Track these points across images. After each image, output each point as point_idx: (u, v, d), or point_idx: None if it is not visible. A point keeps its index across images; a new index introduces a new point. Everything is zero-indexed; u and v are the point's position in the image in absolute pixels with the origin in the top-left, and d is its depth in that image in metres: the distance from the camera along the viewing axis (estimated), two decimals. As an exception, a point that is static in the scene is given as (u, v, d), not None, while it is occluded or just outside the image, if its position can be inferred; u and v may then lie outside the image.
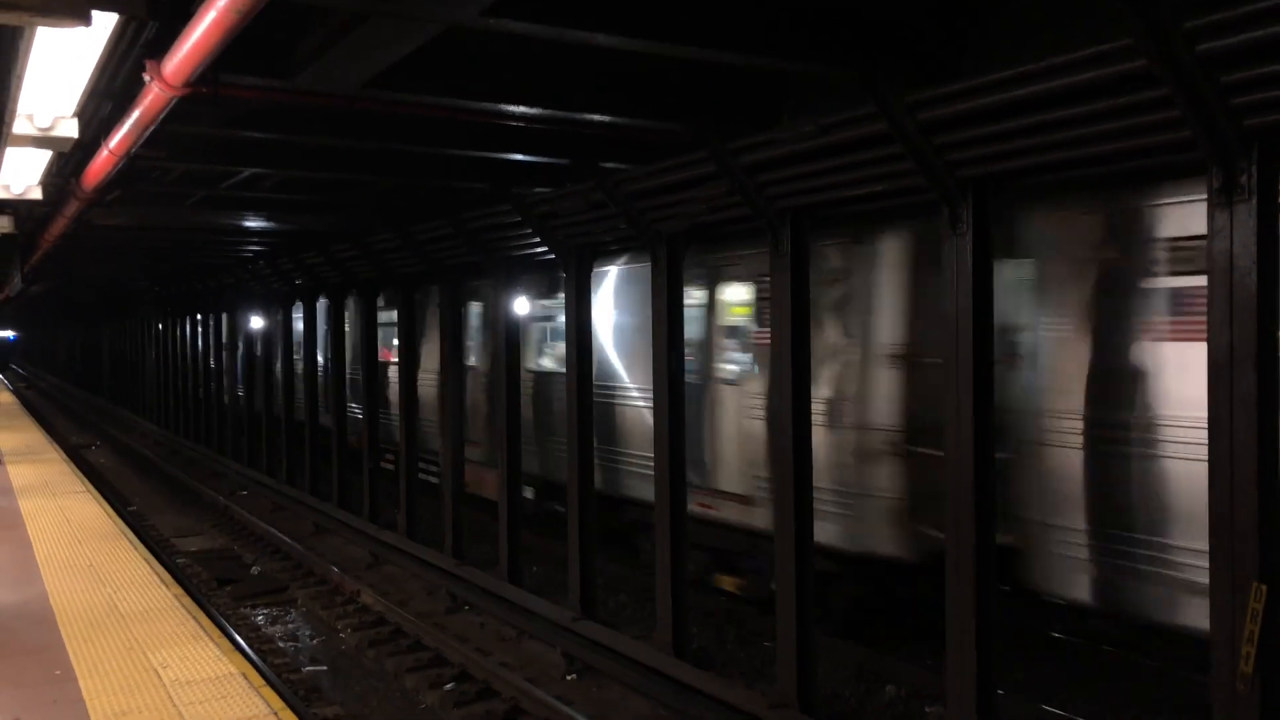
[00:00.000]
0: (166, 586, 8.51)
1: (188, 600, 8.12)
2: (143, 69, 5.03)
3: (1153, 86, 5.03)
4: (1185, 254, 6.62)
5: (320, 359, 18.93)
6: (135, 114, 5.70)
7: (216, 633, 7.24)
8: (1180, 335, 6.69)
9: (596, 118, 7.27)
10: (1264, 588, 5.05)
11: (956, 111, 5.98)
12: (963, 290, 6.41)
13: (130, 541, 10.47)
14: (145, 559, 9.61)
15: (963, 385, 6.42)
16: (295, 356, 19.90)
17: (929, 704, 8.51)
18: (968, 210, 6.35)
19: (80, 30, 4.23)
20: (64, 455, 18.56)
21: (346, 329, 17.83)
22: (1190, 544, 6.42)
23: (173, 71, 4.74)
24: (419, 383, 15.53)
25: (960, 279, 6.42)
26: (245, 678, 6.18)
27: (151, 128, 5.93)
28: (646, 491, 9.87)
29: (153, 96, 5.20)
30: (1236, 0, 4.60)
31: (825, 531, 8.36)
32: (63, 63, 5.11)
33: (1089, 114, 5.42)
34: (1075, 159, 5.76)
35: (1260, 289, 5.03)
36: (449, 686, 9.31)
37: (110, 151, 6.69)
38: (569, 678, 9.42)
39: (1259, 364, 5.07)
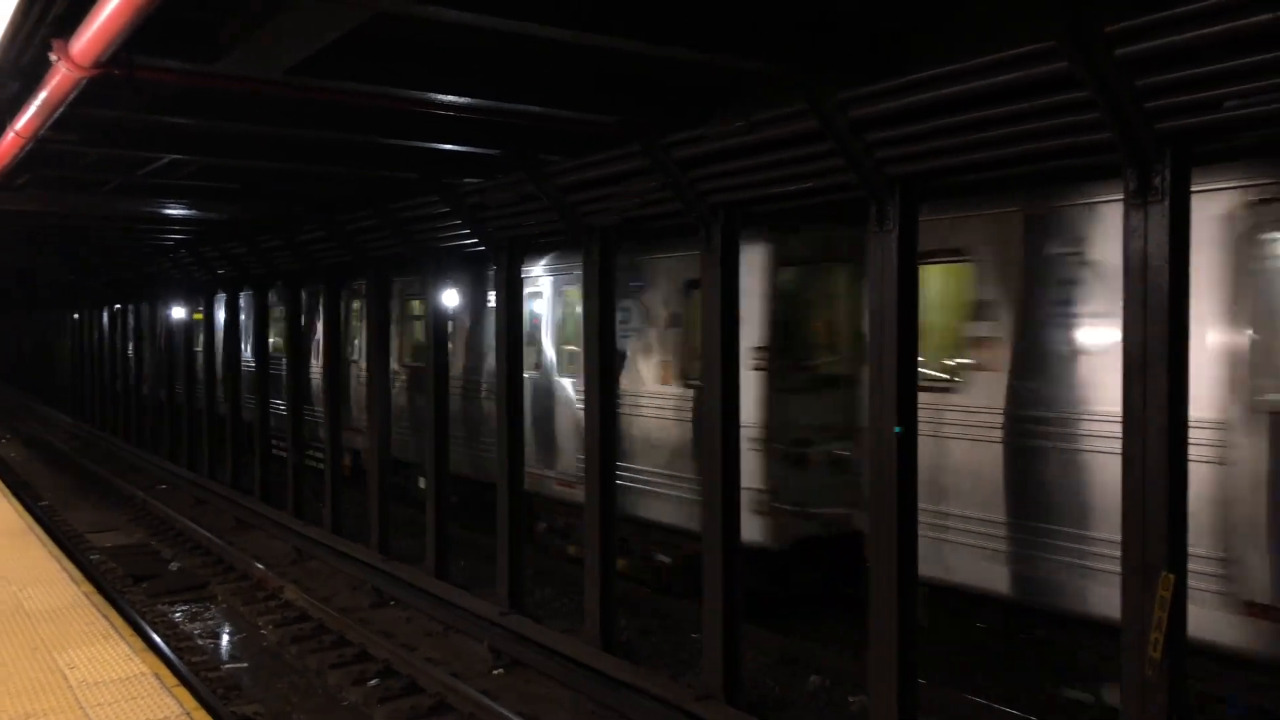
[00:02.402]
0: (77, 584, 8.24)
1: (99, 598, 7.87)
2: (49, 48, 4.83)
3: (1074, 89, 5.13)
4: None
5: (244, 351, 18.52)
6: (42, 95, 5.48)
7: (129, 631, 7.03)
8: None
9: (529, 108, 7.19)
10: (1172, 577, 5.21)
11: (885, 110, 6.04)
12: (889, 287, 6.48)
13: (39, 538, 10.13)
14: (55, 556, 9.30)
15: (887, 380, 6.50)
16: (218, 349, 19.43)
17: (852, 693, 8.62)
18: (895, 208, 6.42)
19: (-18, 3, 4.05)
20: (-30, 449, 17.88)
21: (271, 321, 17.49)
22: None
23: (81, 51, 4.56)
24: (351, 377, 15.37)
25: (886, 275, 6.49)
26: (158, 677, 6.00)
27: (60, 110, 5.71)
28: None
29: (60, 77, 5.00)
30: (1154, 5, 4.72)
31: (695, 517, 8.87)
32: (-35, 38, 4.89)
33: (1013, 114, 5.52)
34: (1000, 159, 5.86)
35: (1172, 288, 5.18)
36: (373, 683, 9.17)
37: (16, 134, 6.43)
38: (496, 672, 9.35)
39: (1171, 361, 5.21)
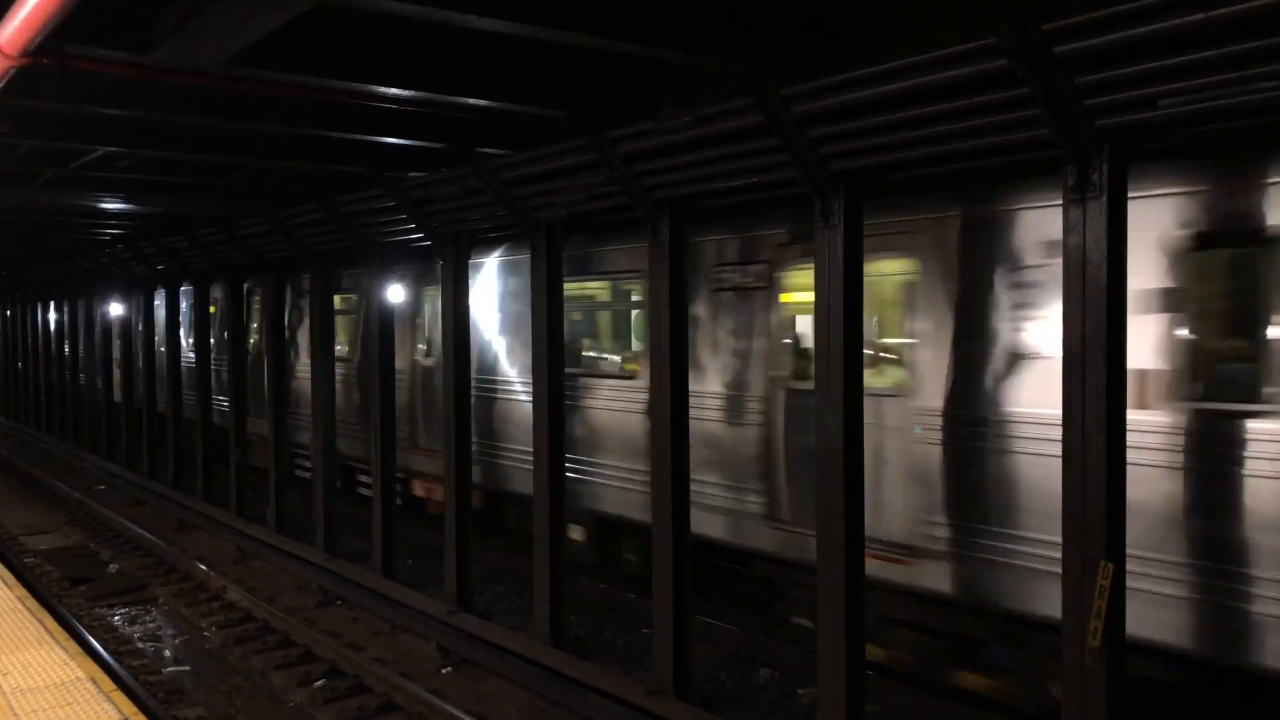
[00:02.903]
0: (10, 588, 8.01)
1: (33, 602, 7.66)
2: (-24, 35, 4.68)
3: (1014, 86, 5.20)
4: None
5: (185, 347, 18.16)
6: (-31, 83, 5.30)
7: (64, 636, 6.84)
8: None
9: (473, 101, 7.12)
10: (1111, 566, 5.31)
11: (830, 105, 6.07)
12: (834, 282, 6.52)
13: (-29, 541, 9.84)
14: (-12, 559, 9.04)
15: (834, 375, 6.55)
16: (158, 345, 19.03)
17: (801, 686, 8.69)
18: (840, 203, 6.46)
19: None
20: (-103, 450, 17.33)
21: (212, 316, 17.17)
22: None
23: (9, 40, 4.43)
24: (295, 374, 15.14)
25: (832, 271, 6.53)
26: (94, 682, 5.85)
27: (-11, 99, 5.54)
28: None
29: (-12, 65, 4.85)
30: (1093, 4, 4.80)
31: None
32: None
33: (954, 110, 5.57)
34: (943, 154, 5.91)
35: (1110, 282, 5.28)
36: (319, 683, 9.05)
37: (-57, 123, 6.22)
38: (444, 671, 9.28)
39: (1109, 356, 5.31)
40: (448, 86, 6.93)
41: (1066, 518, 5.51)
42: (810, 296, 6.93)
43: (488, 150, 8.75)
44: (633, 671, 9.04)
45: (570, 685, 8.33)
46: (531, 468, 9.39)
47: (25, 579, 10.91)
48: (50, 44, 4.92)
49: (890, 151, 6.06)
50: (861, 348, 6.66)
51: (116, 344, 21.08)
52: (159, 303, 18.84)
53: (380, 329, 11.70)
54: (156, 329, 19.13)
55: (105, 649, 9.69)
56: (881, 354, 8.42)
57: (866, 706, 6.77)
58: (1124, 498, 5.43)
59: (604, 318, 12.00)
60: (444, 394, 10.48)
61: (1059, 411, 5.55)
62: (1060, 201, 5.45)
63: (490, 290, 12.03)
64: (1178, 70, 4.74)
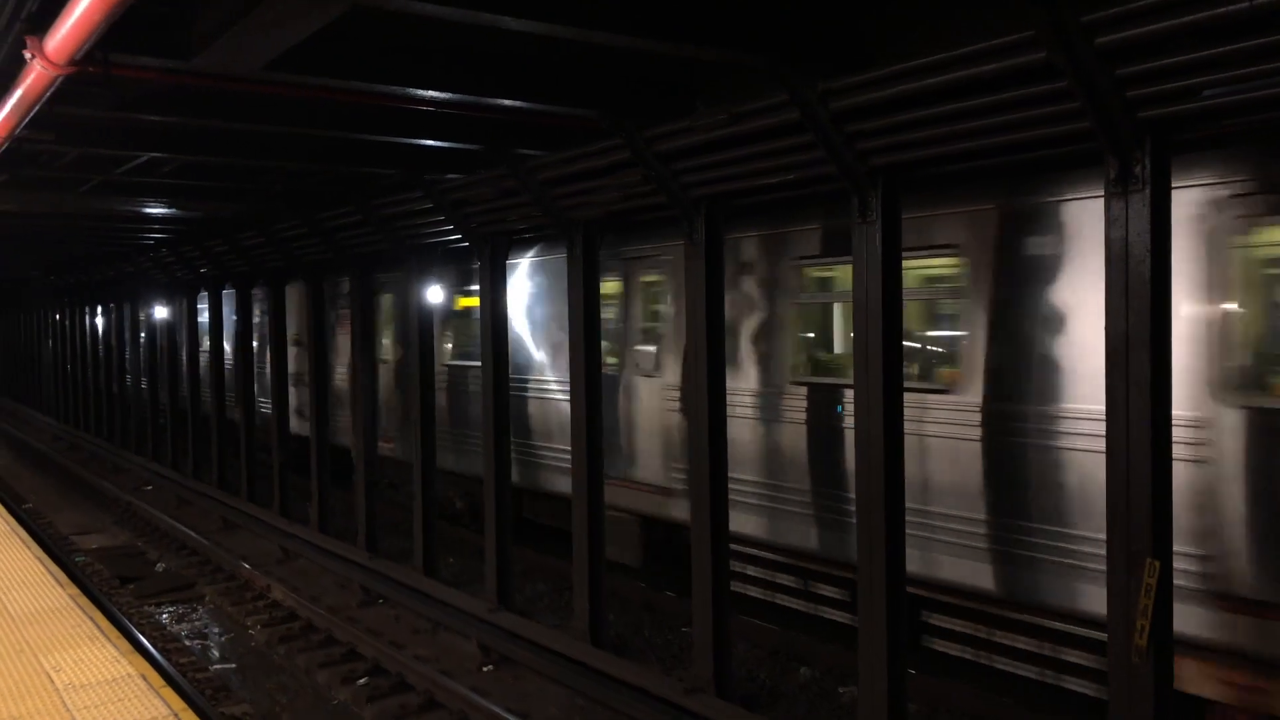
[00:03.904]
0: (62, 586, 8.17)
1: (85, 600, 7.81)
2: (24, 45, 4.78)
3: (1053, 79, 5.14)
4: None
5: (227, 350, 18.42)
6: (17, 94, 5.42)
7: (115, 633, 6.97)
8: None
9: (510, 103, 7.16)
10: (1157, 563, 5.23)
11: (867, 101, 6.03)
12: (872, 279, 6.48)
13: (23, 540, 10.04)
14: (39, 558, 9.22)
15: (873, 371, 6.50)
16: (201, 347, 19.32)
17: (842, 685, 8.65)
18: (877, 199, 6.42)
19: (-47, 1, 4.00)
20: (-48, 452, 17.73)
21: (254, 319, 17.39)
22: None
23: (56, 49, 4.52)
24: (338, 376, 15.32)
25: (870, 267, 6.48)
26: (145, 679, 5.96)
27: (36, 108, 5.66)
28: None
29: (35, 75, 4.95)
30: (1132, -6, 4.73)
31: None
32: (-64, 37, 4.83)
33: (993, 104, 5.52)
34: (981, 149, 5.85)
35: (1154, 275, 5.19)
36: (362, 681, 9.15)
37: (-8, 133, 6.37)
38: (486, 669, 9.34)
39: (1153, 348, 5.23)
40: (483, 88, 6.97)
41: (1111, 515, 5.43)
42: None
43: (524, 151, 8.79)
44: (672, 670, 9.05)
45: (610, 683, 8.35)
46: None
47: (76, 577, 11.12)
48: (95, 53, 5.02)
49: (928, 146, 6.01)
50: (900, 344, 6.60)
51: (160, 347, 21.43)
52: (201, 306, 19.13)
53: (420, 330, 11.79)
54: (199, 332, 19.41)
55: (154, 646, 9.85)
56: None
57: (909, 705, 6.73)
58: (1170, 493, 5.34)
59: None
60: (482, 394, 10.53)
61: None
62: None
63: (517, 292, 12.11)
64: (1222, 60, 4.66)
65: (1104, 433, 5.44)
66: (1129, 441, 5.31)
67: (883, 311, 6.45)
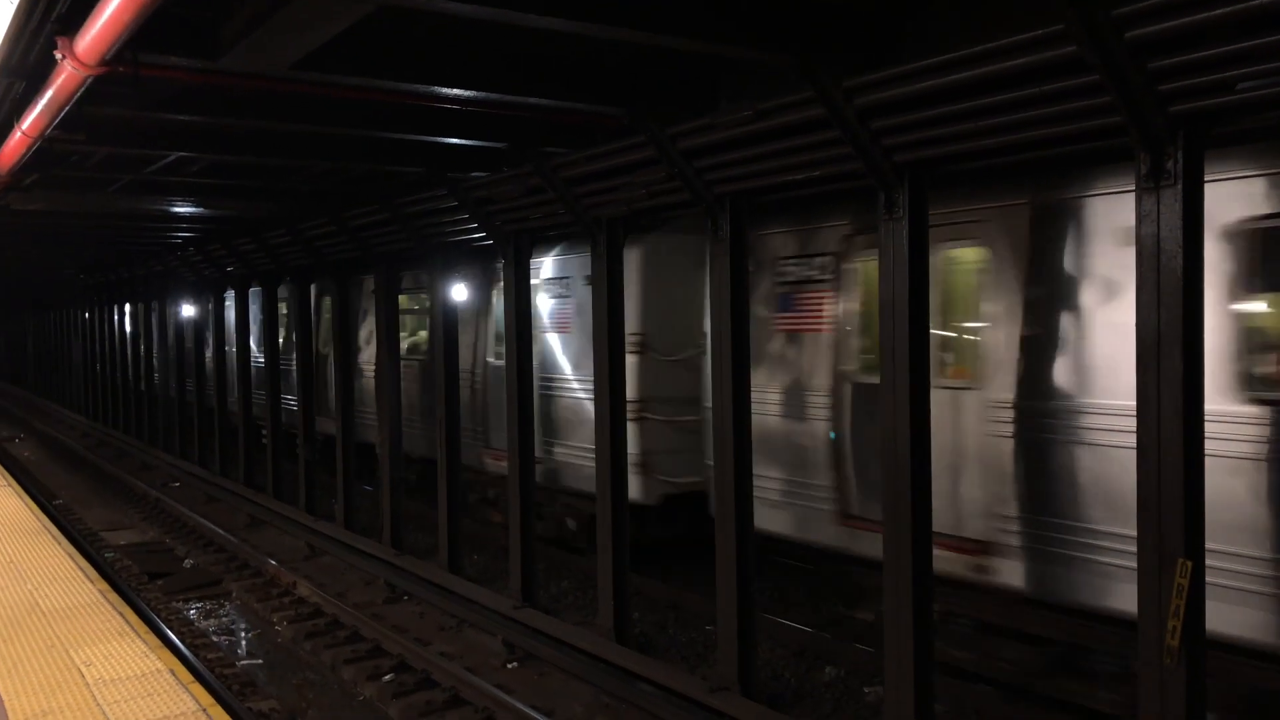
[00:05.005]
0: (92, 582, 8.26)
1: (114, 596, 7.89)
2: (55, 46, 4.82)
3: (1083, 73, 5.08)
4: None
5: (254, 348, 18.56)
6: (49, 94, 5.48)
7: (144, 628, 7.04)
8: None
9: (534, 101, 7.18)
10: (1189, 563, 5.16)
11: (893, 96, 5.99)
12: (899, 276, 6.43)
13: (54, 536, 10.16)
14: (70, 554, 9.33)
15: (899, 369, 6.46)
16: (228, 345, 19.47)
17: (867, 684, 8.61)
18: (904, 195, 6.37)
19: (-16, 3, 4.04)
20: (-15, 449, 17.96)
21: (281, 316, 17.51)
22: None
23: (86, 50, 4.56)
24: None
25: (897, 264, 6.44)
26: (173, 674, 6.02)
27: (67, 108, 5.72)
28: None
29: (66, 76, 5.00)
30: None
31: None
32: (-32, 38, 4.89)
33: (1022, 99, 5.46)
34: (1010, 144, 5.80)
35: (1186, 271, 5.13)
36: (388, 677, 9.19)
37: (24, 133, 6.44)
38: (510, 666, 9.36)
39: (1185, 345, 5.16)
40: (508, 86, 6.98)
41: (1141, 513, 5.37)
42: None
43: (548, 149, 8.80)
44: (696, 668, 9.03)
45: (634, 681, 8.34)
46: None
47: (106, 573, 11.23)
48: (125, 53, 5.05)
49: (955, 142, 5.96)
50: (927, 342, 6.56)
51: (187, 345, 21.62)
52: (228, 304, 19.28)
53: (444, 328, 11.83)
54: (226, 330, 19.57)
55: (182, 642, 9.94)
56: None
57: (936, 705, 6.68)
58: (1202, 492, 5.27)
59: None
60: (507, 391, 10.56)
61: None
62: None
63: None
64: (1256, 53, 4.59)
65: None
66: (1160, 440, 5.24)
67: (909, 308, 6.40)
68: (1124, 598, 6.15)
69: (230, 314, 19.20)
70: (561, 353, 11.97)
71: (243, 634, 10.96)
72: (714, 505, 8.10)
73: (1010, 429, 7.31)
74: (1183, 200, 5.09)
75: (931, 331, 6.72)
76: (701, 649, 9.69)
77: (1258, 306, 6.35)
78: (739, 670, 7.84)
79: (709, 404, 8.78)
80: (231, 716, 6.28)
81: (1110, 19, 4.80)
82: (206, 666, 9.26)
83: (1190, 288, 5.15)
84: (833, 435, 8.70)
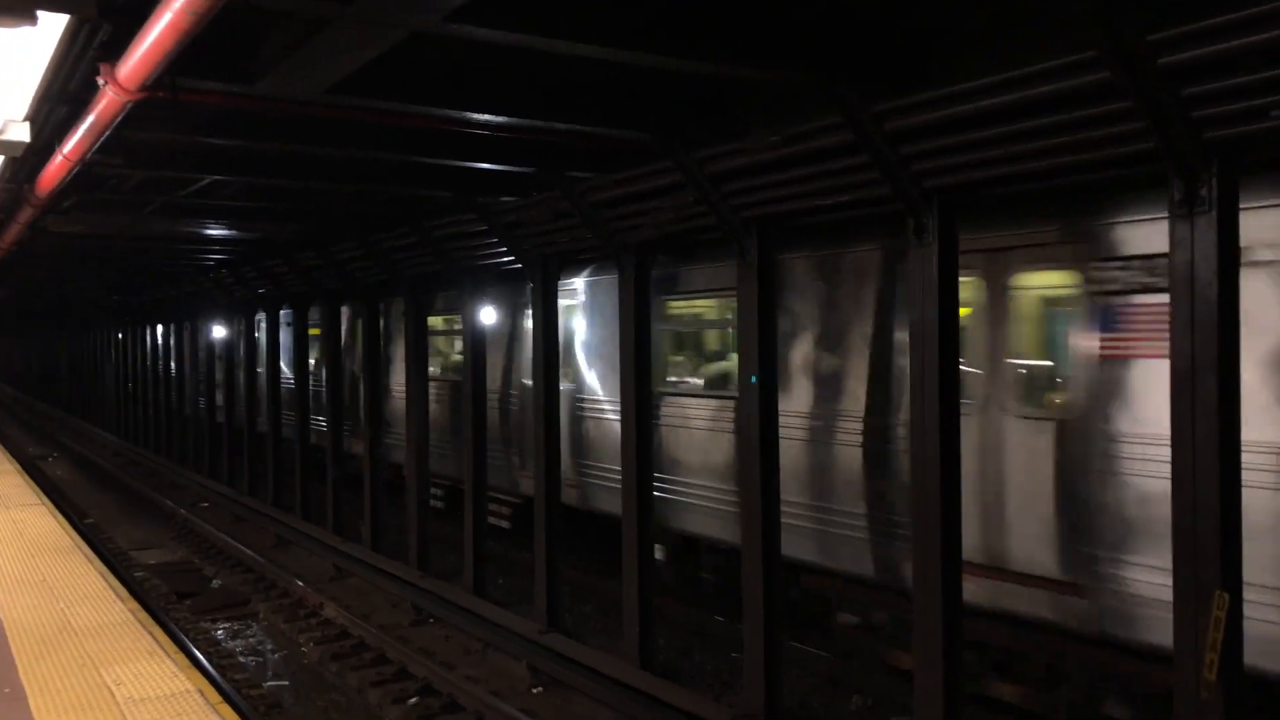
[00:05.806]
0: (122, 601, 8.32)
1: (144, 615, 7.94)
2: (97, 72, 4.91)
3: (1116, 99, 5.06)
4: None
5: (284, 369, 18.72)
6: (90, 119, 5.57)
7: (173, 648, 7.08)
8: None
9: (562, 126, 7.22)
10: (1226, 595, 5.08)
11: (922, 122, 5.99)
12: (929, 301, 6.41)
13: (86, 555, 10.24)
14: (101, 573, 9.40)
15: (929, 395, 6.42)
16: (258, 367, 19.65)
17: (895, 714, 8.50)
18: (933, 221, 6.35)
19: (28, 31, 4.13)
20: (19, 467, 18.18)
21: (311, 338, 17.66)
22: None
23: (128, 75, 4.64)
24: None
25: (926, 290, 6.42)
26: (202, 694, 6.04)
27: (107, 133, 5.81)
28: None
29: (107, 101, 5.08)
30: (1198, 14, 4.64)
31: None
32: (13, 65, 4.99)
33: (1053, 125, 5.44)
34: (1039, 170, 5.78)
35: (1221, 300, 5.07)
36: (413, 701, 9.18)
37: (65, 157, 6.54)
38: (535, 691, 9.33)
39: (1220, 374, 5.10)
40: (536, 111, 7.03)
41: (1177, 543, 5.29)
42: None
43: (576, 174, 8.84)
44: (722, 695, 8.96)
45: (659, 707, 8.29)
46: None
47: (136, 592, 11.32)
48: (165, 79, 5.14)
49: (986, 168, 5.94)
50: (957, 367, 6.51)
51: (218, 366, 21.83)
52: (259, 325, 19.47)
53: (472, 350, 11.88)
54: (257, 351, 19.75)
55: (210, 662, 9.98)
56: None
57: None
58: (1239, 522, 5.19)
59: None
60: (534, 414, 10.58)
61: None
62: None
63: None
64: (1292, 79, 4.56)
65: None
66: (1196, 471, 5.17)
67: (939, 335, 6.37)
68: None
69: (261, 335, 19.39)
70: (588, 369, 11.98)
71: (270, 655, 10.99)
72: (741, 534, 8.05)
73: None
74: (1217, 228, 5.04)
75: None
76: (727, 676, 9.61)
77: None
78: (765, 697, 7.77)
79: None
80: (258, 738, 6.29)
81: (1143, 44, 4.77)
82: (234, 688, 9.29)
83: (1225, 316, 5.09)
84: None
